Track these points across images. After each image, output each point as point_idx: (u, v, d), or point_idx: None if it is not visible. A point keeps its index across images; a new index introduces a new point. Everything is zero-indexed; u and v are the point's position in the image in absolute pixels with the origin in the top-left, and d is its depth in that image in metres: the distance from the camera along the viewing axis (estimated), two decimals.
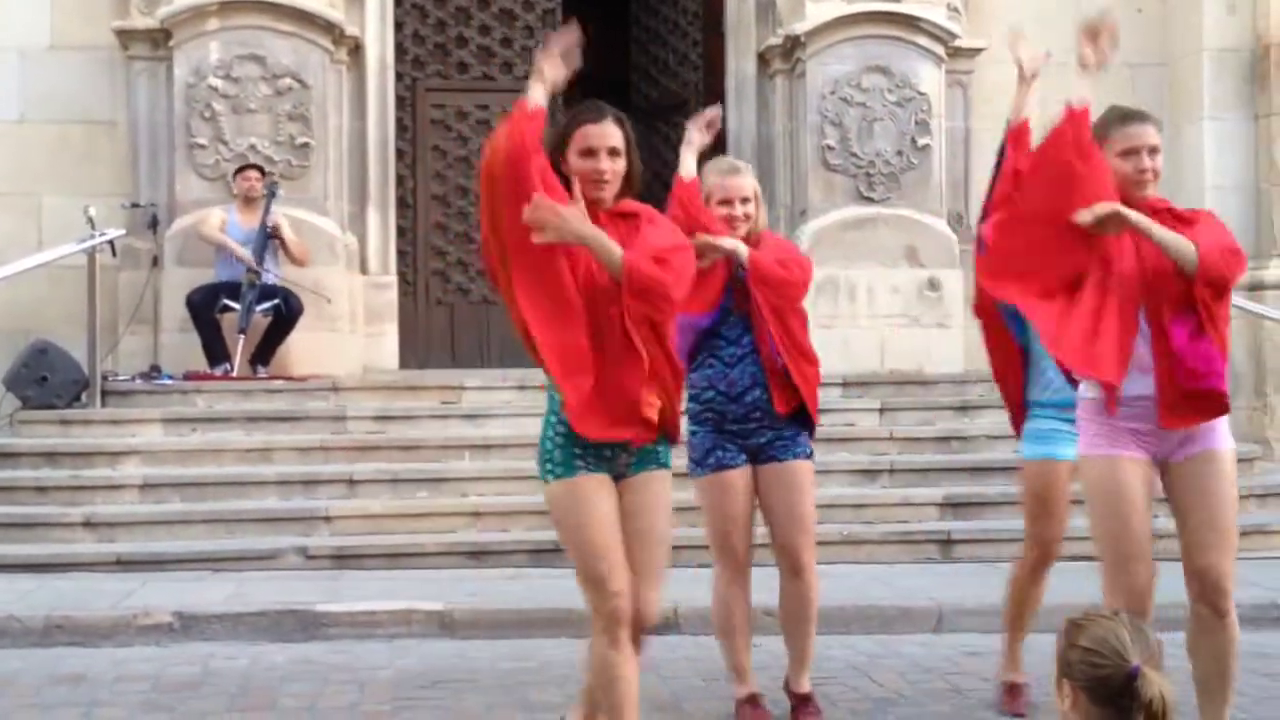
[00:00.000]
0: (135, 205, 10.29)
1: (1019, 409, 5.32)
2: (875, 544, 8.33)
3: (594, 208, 4.06)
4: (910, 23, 10.81)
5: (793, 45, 10.85)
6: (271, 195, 9.85)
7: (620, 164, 4.08)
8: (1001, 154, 5.17)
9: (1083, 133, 4.26)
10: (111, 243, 9.66)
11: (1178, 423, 4.28)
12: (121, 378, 9.71)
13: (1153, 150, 4.41)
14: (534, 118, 3.91)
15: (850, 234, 10.69)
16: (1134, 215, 4.25)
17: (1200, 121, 11.27)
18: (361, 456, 8.88)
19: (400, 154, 11.23)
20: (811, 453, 5.20)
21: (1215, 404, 4.30)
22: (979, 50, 11.21)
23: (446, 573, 7.77)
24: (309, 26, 10.28)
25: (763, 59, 11.20)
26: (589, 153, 4.05)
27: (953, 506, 8.68)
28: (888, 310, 10.69)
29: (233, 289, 9.70)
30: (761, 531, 5.23)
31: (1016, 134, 5.07)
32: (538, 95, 3.94)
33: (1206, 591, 4.32)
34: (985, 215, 5.13)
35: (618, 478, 4.11)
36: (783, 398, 5.06)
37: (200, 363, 9.75)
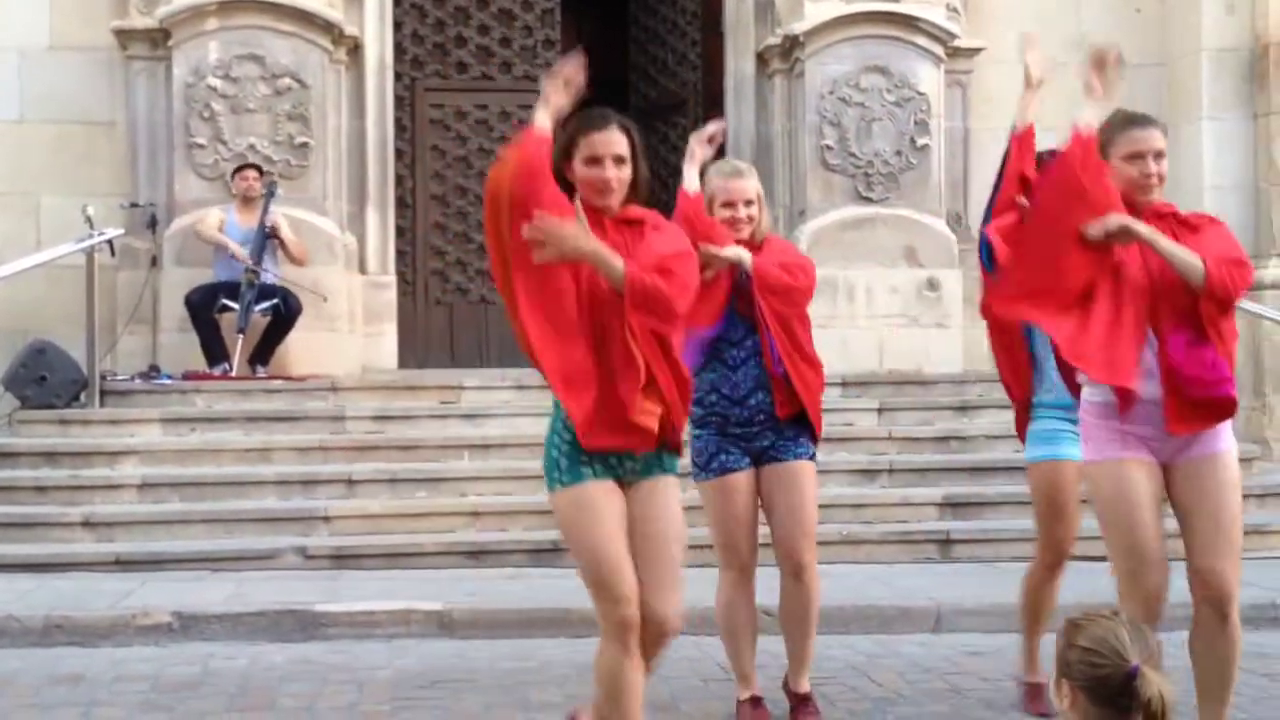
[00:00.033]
0: (134, 205, 10.29)
1: (1024, 411, 5.31)
2: (874, 544, 8.33)
3: (600, 215, 4.06)
4: (909, 23, 10.81)
5: (791, 45, 10.85)
6: (270, 195, 9.85)
7: (626, 171, 4.07)
8: (1006, 158, 5.18)
9: (1091, 156, 4.28)
10: (110, 242, 9.66)
11: (1185, 428, 4.30)
12: (120, 377, 9.71)
13: (1158, 155, 4.42)
14: (542, 143, 3.92)
15: (849, 234, 10.69)
16: (1142, 229, 4.27)
17: (1199, 121, 11.27)
18: (360, 456, 8.88)
19: (399, 154, 11.23)
20: (814, 454, 5.20)
21: (1224, 409, 4.32)
22: (978, 50, 11.21)
23: (445, 572, 7.77)
24: (308, 26, 10.27)
25: (761, 59, 11.20)
26: (594, 160, 4.04)
27: (952, 506, 8.68)
28: (886, 310, 10.69)
29: (231, 289, 9.70)
30: (763, 532, 5.23)
31: (1022, 138, 5.08)
32: (543, 121, 3.95)
33: (1211, 594, 4.32)
34: (988, 218, 5.14)
35: (625, 485, 4.09)
36: (784, 402, 5.07)
37: (199, 362, 9.75)
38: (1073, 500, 5.23)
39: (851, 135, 10.74)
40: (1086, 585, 5.40)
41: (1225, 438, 4.39)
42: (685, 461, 4.61)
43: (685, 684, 5.79)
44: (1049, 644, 5.26)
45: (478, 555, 8.05)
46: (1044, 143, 5.22)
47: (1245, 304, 9.96)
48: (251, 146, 10.12)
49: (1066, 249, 4.27)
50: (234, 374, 9.63)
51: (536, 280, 3.92)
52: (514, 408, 9.28)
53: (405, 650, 6.47)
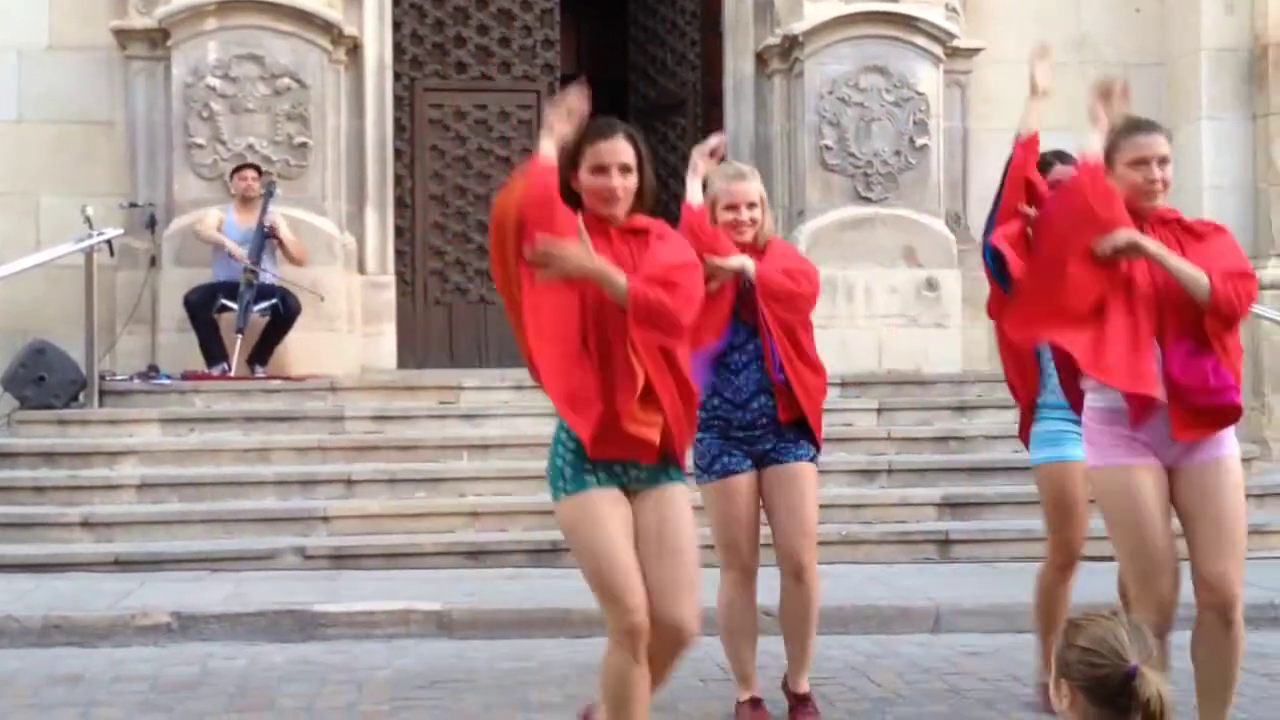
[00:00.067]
0: (133, 205, 10.29)
1: (1029, 413, 5.31)
2: (873, 544, 8.33)
3: (605, 224, 4.07)
4: (908, 23, 10.81)
5: (791, 45, 10.85)
6: (269, 195, 9.85)
7: (632, 180, 4.08)
8: (1009, 166, 5.19)
9: (1100, 182, 4.30)
10: (109, 242, 9.66)
11: (1190, 435, 4.32)
12: (119, 377, 9.71)
13: (1162, 160, 4.43)
14: (549, 171, 3.94)
15: (848, 234, 10.69)
16: (1150, 245, 4.30)
17: (1198, 121, 11.26)
18: (359, 456, 8.88)
19: (398, 154, 11.23)
20: (814, 456, 5.20)
21: (1227, 416, 4.35)
22: (977, 50, 11.21)
23: (444, 573, 7.77)
24: (307, 26, 10.27)
25: (761, 59, 11.20)
26: (600, 169, 4.05)
27: (951, 506, 8.67)
28: (885, 310, 10.69)
29: (230, 289, 9.70)
30: (764, 532, 5.23)
31: (1027, 144, 5.08)
32: (548, 149, 3.97)
33: (1215, 599, 4.33)
34: (991, 227, 5.15)
35: (633, 494, 4.08)
36: (786, 407, 5.08)
37: (198, 362, 9.75)
38: (1081, 500, 5.23)
39: (850, 135, 10.74)
40: (1093, 585, 5.39)
41: (1229, 443, 4.41)
42: (688, 464, 4.61)
43: (684, 684, 5.78)
44: (1033, 644, 5.28)
45: (477, 555, 8.04)
46: (1045, 143, 5.23)
47: None
48: (250, 146, 10.12)
49: (1077, 268, 4.29)
50: (233, 374, 9.63)
51: (542, 302, 3.93)
52: (513, 408, 9.28)
53: (404, 650, 6.47)
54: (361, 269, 10.72)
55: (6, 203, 10.52)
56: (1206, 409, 4.29)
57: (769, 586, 5.27)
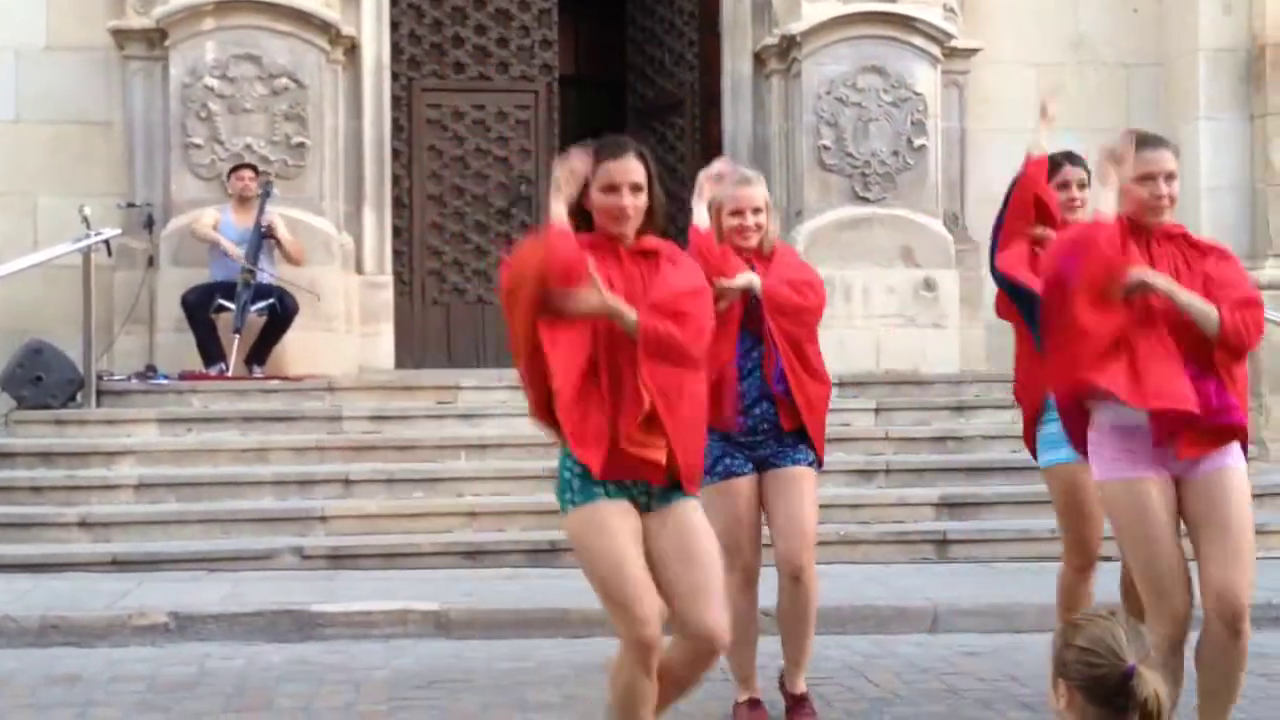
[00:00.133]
0: (131, 205, 10.29)
1: (1034, 416, 5.30)
2: (871, 544, 8.33)
3: (616, 243, 4.09)
4: (906, 23, 10.81)
5: (788, 45, 10.85)
6: (266, 195, 9.84)
7: (642, 199, 4.09)
8: (1013, 186, 5.23)
9: (1113, 237, 4.29)
10: (107, 242, 9.65)
11: (1195, 452, 4.34)
12: (117, 377, 9.70)
13: (1169, 176, 4.45)
14: (565, 236, 3.97)
15: (846, 234, 10.69)
16: (1160, 282, 4.32)
17: (1196, 122, 11.26)
18: (357, 456, 8.88)
19: (396, 154, 11.22)
20: (814, 460, 5.20)
21: (1231, 434, 4.37)
22: (975, 51, 11.21)
23: (442, 573, 7.77)
24: (305, 26, 10.27)
25: (759, 59, 11.20)
26: (611, 188, 4.06)
27: (949, 506, 8.68)
28: (883, 310, 10.68)
29: (228, 289, 9.69)
30: (765, 533, 5.23)
31: (1037, 164, 5.15)
32: (560, 212, 3.99)
33: (1223, 609, 4.32)
34: (996, 246, 5.19)
35: (645, 514, 4.06)
36: (788, 415, 5.09)
37: (195, 362, 9.75)
38: (1093, 499, 5.20)
39: (848, 135, 10.73)
40: (1100, 585, 5.38)
41: (1234, 453, 4.42)
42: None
43: None
44: (1033, 644, 5.27)
45: (475, 555, 8.04)
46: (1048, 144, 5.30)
47: None
48: (248, 146, 10.12)
49: (1094, 310, 4.29)
50: (230, 374, 9.62)
51: (558, 337, 3.95)
52: (511, 408, 9.26)
53: (402, 650, 6.47)
54: (359, 269, 10.71)
55: (4, 203, 10.51)
56: (1210, 429, 4.32)
57: (767, 587, 5.27)
